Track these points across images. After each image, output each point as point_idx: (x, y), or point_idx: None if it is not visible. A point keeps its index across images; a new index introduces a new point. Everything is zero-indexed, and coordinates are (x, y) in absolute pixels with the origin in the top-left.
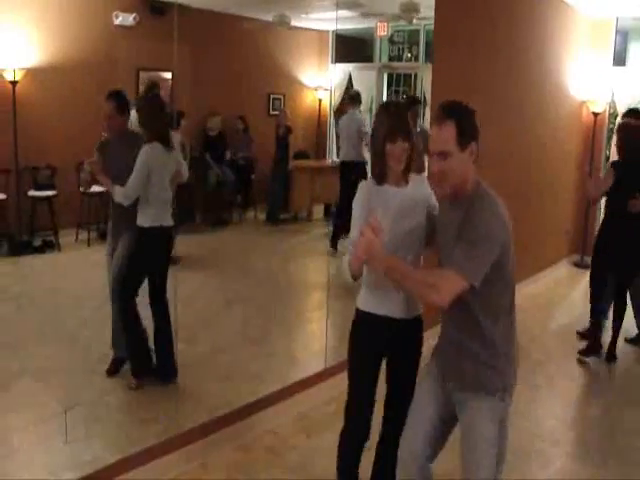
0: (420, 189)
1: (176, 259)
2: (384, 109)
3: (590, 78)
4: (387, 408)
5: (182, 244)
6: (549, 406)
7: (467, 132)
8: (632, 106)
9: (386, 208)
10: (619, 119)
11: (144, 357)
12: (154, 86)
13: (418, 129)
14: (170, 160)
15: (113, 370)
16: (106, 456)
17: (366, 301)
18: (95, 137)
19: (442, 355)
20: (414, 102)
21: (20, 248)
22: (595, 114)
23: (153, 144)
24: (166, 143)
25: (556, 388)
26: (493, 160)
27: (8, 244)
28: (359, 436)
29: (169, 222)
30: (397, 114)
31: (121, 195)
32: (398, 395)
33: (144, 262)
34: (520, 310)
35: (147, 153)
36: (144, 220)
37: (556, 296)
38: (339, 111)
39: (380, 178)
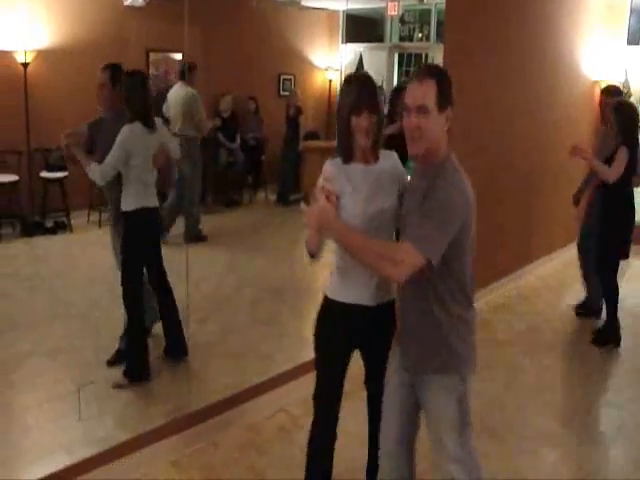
0: (391, 165)
1: (203, 237)
2: (348, 81)
3: (604, 57)
4: (370, 406)
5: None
6: (558, 386)
7: (446, 95)
8: None
9: (355, 188)
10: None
11: (140, 360)
12: (192, 67)
13: None
14: (152, 141)
15: (113, 361)
16: (118, 434)
17: (335, 288)
18: None
19: (401, 338)
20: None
21: (32, 229)
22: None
23: (134, 124)
24: (148, 123)
25: (566, 368)
26: (506, 140)
27: (20, 225)
28: (327, 431)
29: (154, 203)
30: (363, 85)
31: (97, 173)
32: (379, 390)
33: (136, 247)
34: (531, 291)
35: (126, 133)
36: (128, 204)
37: (568, 277)
38: None
39: (346, 156)
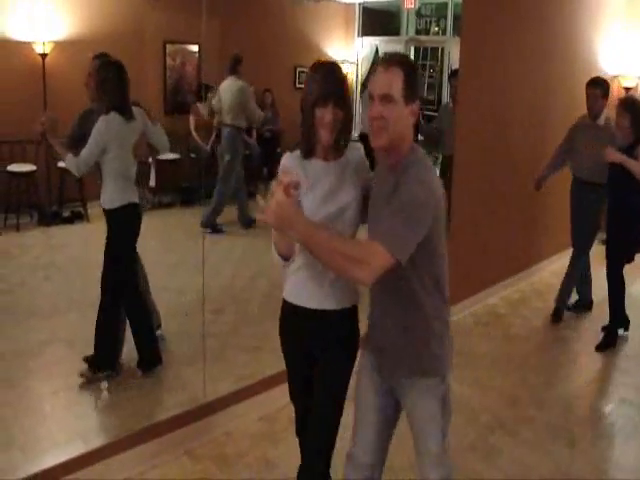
0: (354, 158)
1: (253, 220)
2: (314, 69)
3: (623, 52)
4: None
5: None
6: (571, 382)
7: (413, 87)
8: None
9: (313, 186)
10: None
11: (109, 350)
12: (239, 60)
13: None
14: (130, 132)
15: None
16: (133, 423)
17: (292, 291)
18: None
19: (376, 344)
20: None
21: (49, 219)
22: (627, 89)
23: (110, 115)
24: (125, 114)
25: (581, 365)
26: (523, 136)
27: (38, 215)
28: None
29: (135, 198)
30: (329, 74)
31: (73, 165)
32: (319, 414)
33: (124, 247)
34: (546, 287)
35: (101, 124)
36: (111, 200)
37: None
38: (365, 85)
39: (307, 150)
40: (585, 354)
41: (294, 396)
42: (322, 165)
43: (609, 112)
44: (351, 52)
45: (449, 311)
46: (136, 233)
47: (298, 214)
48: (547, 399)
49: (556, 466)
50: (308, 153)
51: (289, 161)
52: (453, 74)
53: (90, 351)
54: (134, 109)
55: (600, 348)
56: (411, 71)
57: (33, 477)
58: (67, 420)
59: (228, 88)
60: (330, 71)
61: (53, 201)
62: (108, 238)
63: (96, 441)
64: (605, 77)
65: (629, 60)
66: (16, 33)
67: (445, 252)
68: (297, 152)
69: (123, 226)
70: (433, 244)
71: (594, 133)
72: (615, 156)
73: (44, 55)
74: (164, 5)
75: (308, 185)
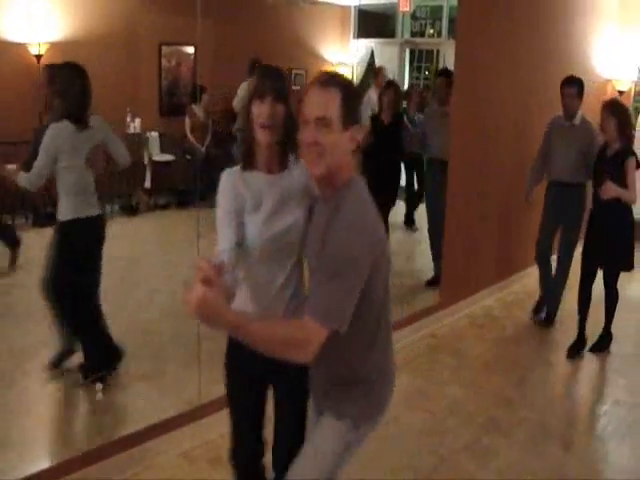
0: (301, 175)
1: None
2: (252, 68)
3: (617, 55)
4: (273, 451)
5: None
6: (565, 383)
7: (352, 110)
8: None
9: (257, 205)
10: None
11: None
12: (256, 61)
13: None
14: (84, 141)
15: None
16: (129, 424)
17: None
18: (118, 111)
19: (311, 378)
20: (389, 85)
21: (44, 219)
22: (620, 92)
23: (62, 123)
24: (80, 122)
25: (573, 366)
26: (517, 138)
27: (33, 216)
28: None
29: (94, 212)
30: (267, 72)
31: (25, 181)
32: (285, 435)
33: (66, 262)
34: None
35: (50, 134)
36: (62, 213)
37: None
38: (361, 88)
39: (247, 161)
40: (579, 356)
41: (239, 429)
42: (266, 179)
43: (584, 112)
44: (347, 54)
45: (389, 356)
46: (83, 251)
47: (223, 308)
48: (541, 400)
49: (550, 467)
50: (248, 164)
51: (228, 179)
52: (439, 75)
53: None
54: (93, 118)
55: (594, 349)
56: (350, 92)
57: (29, 478)
58: (63, 421)
59: (245, 90)
60: (270, 69)
61: (47, 202)
62: (53, 253)
63: (92, 442)
64: (599, 81)
65: (623, 64)
66: (11, 34)
67: (386, 295)
68: (237, 167)
69: (68, 241)
70: (370, 295)
71: (572, 133)
72: (612, 192)
73: (39, 56)
74: (160, 7)
75: (252, 204)
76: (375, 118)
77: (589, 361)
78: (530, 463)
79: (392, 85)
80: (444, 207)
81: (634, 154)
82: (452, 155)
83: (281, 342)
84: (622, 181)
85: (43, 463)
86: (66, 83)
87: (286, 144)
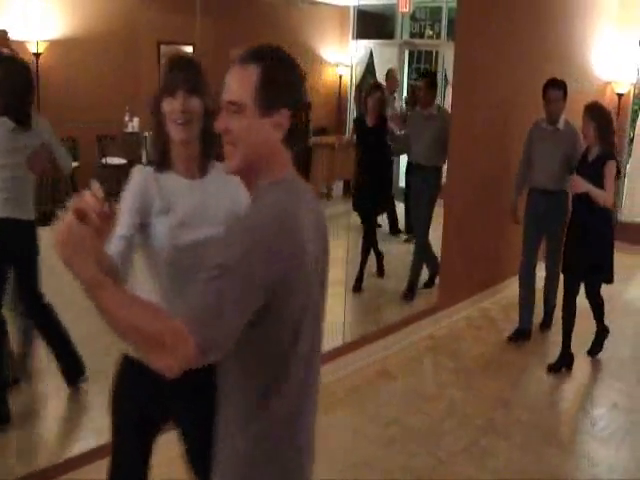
0: (228, 184)
1: None
2: (166, 62)
3: (616, 58)
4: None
5: None
6: (563, 386)
7: (276, 90)
8: None
9: (165, 207)
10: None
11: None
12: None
13: (434, 111)
14: (23, 141)
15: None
16: None
17: None
18: (117, 110)
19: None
20: (376, 88)
21: (42, 218)
22: (619, 95)
23: (0, 120)
24: (21, 120)
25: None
26: (517, 143)
27: None
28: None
29: (27, 215)
30: (178, 63)
31: None
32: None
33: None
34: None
35: None
36: None
37: None
38: (359, 88)
39: (160, 161)
40: (576, 359)
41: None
42: (183, 183)
43: (567, 115)
44: (346, 55)
45: (298, 439)
46: (15, 252)
47: (88, 253)
48: (539, 402)
49: (548, 468)
50: (162, 165)
51: (140, 176)
52: (422, 76)
53: (83, 350)
54: (40, 119)
55: (591, 353)
56: (275, 69)
57: (28, 477)
58: (61, 421)
59: None
60: (180, 60)
61: (45, 200)
62: None
63: (90, 442)
64: (598, 83)
65: (622, 66)
66: (9, 32)
67: (315, 339)
68: (150, 167)
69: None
70: (275, 326)
71: (556, 138)
72: (581, 186)
73: (38, 54)
74: (158, 5)
75: (161, 207)
76: (359, 120)
77: (586, 364)
78: (528, 465)
79: (378, 88)
80: (425, 214)
81: (614, 158)
82: (450, 157)
83: (142, 333)
84: (602, 185)
85: (41, 462)
86: (5, 77)
87: (205, 142)
